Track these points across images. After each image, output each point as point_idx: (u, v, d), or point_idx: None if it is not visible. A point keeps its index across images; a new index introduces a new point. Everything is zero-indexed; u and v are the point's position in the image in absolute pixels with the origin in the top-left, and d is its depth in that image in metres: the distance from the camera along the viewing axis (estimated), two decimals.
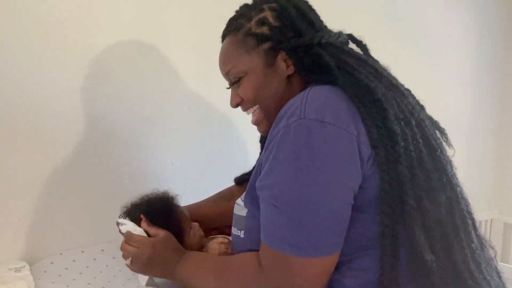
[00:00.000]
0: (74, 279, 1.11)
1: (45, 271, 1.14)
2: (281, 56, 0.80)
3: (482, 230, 2.36)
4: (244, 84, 0.83)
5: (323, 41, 0.77)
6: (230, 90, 0.92)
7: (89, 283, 1.06)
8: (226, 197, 1.13)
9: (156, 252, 0.87)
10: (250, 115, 0.92)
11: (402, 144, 0.65)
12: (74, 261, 1.19)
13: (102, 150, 1.29)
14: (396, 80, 0.79)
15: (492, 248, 0.77)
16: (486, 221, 2.38)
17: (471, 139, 2.34)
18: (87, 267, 1.15)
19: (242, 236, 0.78)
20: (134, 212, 0.97)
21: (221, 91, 1.48)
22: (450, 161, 0.76)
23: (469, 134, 2.32)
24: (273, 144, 0.68)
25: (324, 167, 0.63)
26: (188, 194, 1.45)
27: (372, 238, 0.65)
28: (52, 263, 1.17)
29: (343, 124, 0.64)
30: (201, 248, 0.98)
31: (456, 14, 2.20)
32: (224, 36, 0.89)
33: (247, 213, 0.77)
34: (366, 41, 0.88)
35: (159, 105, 1.37)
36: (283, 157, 0.65)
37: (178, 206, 1.01)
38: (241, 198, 0.82)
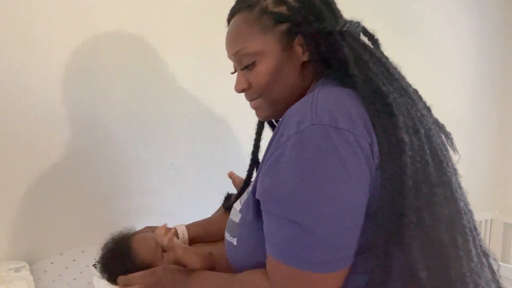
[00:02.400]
0: (74, 279, 1.11)
1: (45, 271, 1.14)
2: (298, 41, 0.72)
3: (482, 230, 2.36)
4: (258, 69, 0.74)
5: (344, 29, 0.70)
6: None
7: (89, 283, 1.06)
8: None
9: (159, 279, 0.81)
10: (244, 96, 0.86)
11: (409, 153, 0.62)
12: (74, 260, 1.19)
13: (102, 151, 1.29)
14: (406, 82, 0.75)
15: (495, 260, 0.74)
16: (486, 221, 2.38)
17: (471, 139, 2.34)
18: (88, 266, 1.16)
19: (235, 243, 0.74)
20: (103, 272, 0.91)
21: (221, 90, 1.48)
22: (456, 171, 0.72)
23: (469, 134, 2.32)
24: (281, 152, 0.62)
25: (343, 178, 0.59)
26: (188, 194, 1.46)
27: (367, 243, 0.62)
28: (52, 263, 1.17)
29: (357, 129, 0.60)
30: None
31: (456, 14, 2.20)
32: (233, 14, 0.78)
33: (240, 219, 0.74)
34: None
35: (158, 105, 1.37)
36: (298, 168, 0.60)
37: (133, 242, 0.91)
38: (239, 201, 0.78)
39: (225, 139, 1.51)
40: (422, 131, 0.67)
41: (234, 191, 1.05)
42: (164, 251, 0.90)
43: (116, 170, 1.32)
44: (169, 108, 1.39)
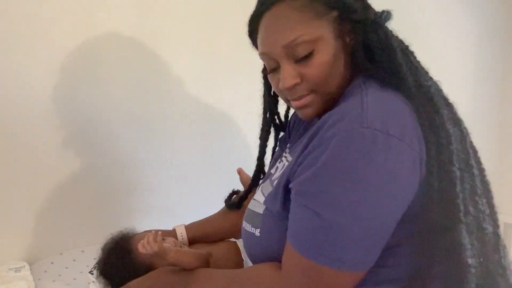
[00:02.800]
0: (74, 279, 1.11)
1: (45, 271, 1.14)
2: (346, 29, 0.69)
3: None
4: (316, 59, 0.67)
5: (385, 20, 0.69)
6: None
7: (89, 282, 1.06)
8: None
9: (154, 282, 0.82)
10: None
11: (455, 145, 0.63)
12: (74, 260, 1.19)
13: (102, 151, 1.29)
14: None
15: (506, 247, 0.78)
16: None
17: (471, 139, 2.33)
18: (88, 266, 1.16)
19: (258, 234, 0.73)
20: (103, 272, 0.90)
21: (222, 90, 1.48)
22: None
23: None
24: (324, 148, 0.61)
25: (382, 184, 0.59)
26: (188, 194, 1.46)
27: (399, 238, 0.63)
28: (52, 263, 1.17)
29: (407, 138, 0.59)
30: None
31: (456, 14, 2.20)
32: (271, 4, 0.70)
33: (264, 210, 0.74)
34: None
35: (158, 105, 1.37)
36: (339, 166, 0.59)
37: (133, 242, 0.89)
38: (261, 193, 0.78)
39: (225, 139, 1.51)
40: (460, 123, 0.69)
41: (231, 189, 1.05)
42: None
43: (116, 170, 1.32)
44: (169, 108, 1.39)
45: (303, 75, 0.69)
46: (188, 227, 1.02)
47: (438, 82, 0.72)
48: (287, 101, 0.75)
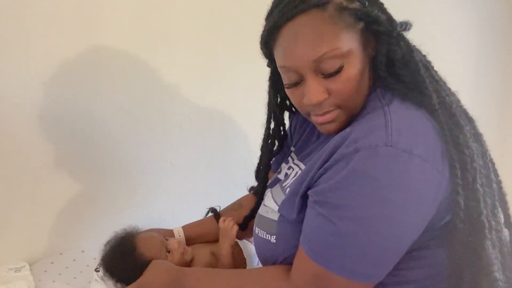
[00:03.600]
0: (74, 278, 1.11)
1: (45, 271, 1.14)
2: (369, 40, 0.67)
3: None
4: (346, 73, 0.64)
5: (405, 32, 0.68)
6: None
7: (90, 282, 1.06)
8: (234, 209, 1.05)
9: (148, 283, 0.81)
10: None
11: (477, 162, 0.63)
12: (74, 260, 1.20)
13: (102, 151, 1.29)
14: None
15: None
16: None
17: None
18: (88, 266, 1.16)
19: (274, 241, 0.74)
20: (105, 270, 0.90)
21: (222, 90, 1.49)
22: None
23: None
24: (345, 162, 0.61)
25: (402, 203, 0.59)
26: (188, 194, 1.46)
27: (421, 243, 0.64)
28: (52, 262, 1.18)
29: (431, 159, 0.60)
30: (189, 262, 0.95)
31: (455, 12, 2.20)
32: (294, 14, 0.64)
33: (279, 217, 0.73)
34: None
35: (159, 105, 1.37)
36: (360, 181, 0.60)
37: (137, 241, 0.90)
38: (273, 200, 0.77)
39: (225, 139, 1.51)
40: (481, 138, 0.69)
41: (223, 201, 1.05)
42: (168, 251, 0.90)
43: (116, 170, 1.32)
44: (169, 108, 1.39)
45: (330, 90, 0.65)
46: (185, 227, 1.03)
47: (456, 93, 0.71)
48: (308, 115, 0.72)
